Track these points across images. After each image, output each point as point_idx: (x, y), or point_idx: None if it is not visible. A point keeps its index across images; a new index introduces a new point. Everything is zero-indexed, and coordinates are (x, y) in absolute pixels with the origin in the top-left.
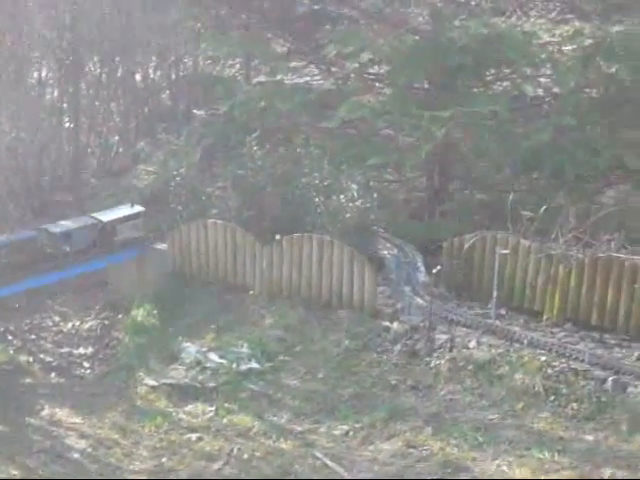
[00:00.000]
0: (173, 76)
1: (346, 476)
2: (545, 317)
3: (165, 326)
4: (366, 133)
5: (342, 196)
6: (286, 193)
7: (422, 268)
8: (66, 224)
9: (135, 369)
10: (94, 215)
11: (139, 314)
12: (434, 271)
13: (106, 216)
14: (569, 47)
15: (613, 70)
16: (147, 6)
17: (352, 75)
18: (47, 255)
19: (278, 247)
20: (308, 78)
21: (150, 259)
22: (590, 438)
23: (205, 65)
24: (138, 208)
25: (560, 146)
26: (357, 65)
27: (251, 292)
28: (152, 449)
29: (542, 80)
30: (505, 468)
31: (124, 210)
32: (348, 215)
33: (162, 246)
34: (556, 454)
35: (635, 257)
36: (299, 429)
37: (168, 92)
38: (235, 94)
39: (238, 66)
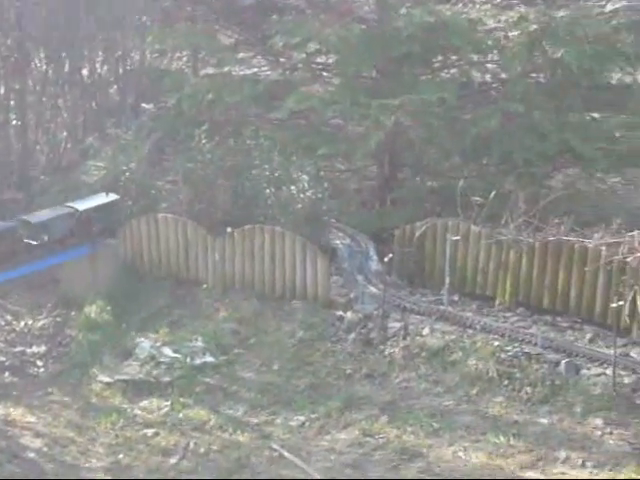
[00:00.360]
0: (120, 70)
1: (304, 467)
2: (497, 302)
3: (119, 322)
4: (316, 123)
5: (293, 187)
6: (237, 185)
7: (374, 257)
8: (43, 214)
9: (89, 366)
10: (70, 204)
11: (92, 311)
12: (386, 259)
13: (82, 205)
14: (515, 33)
15: (559, 55)
16: (92, 0)
17: (300, 65)
18: (26, 246)
19: (230, 240)
20: (256, 69)
21: (102, 255)
22: (545, 421)
23: (152, 59)
24: (113, 196)
25: (508, 131)
26: (304, 55)
27: (204, 286)
28: (108, 446)
29: (489, 66)
30: (461, 454)
31: (99, 199)
32: (299, 206)
33: (114, 241)
34: (511, 438)
35: (585, 240)
36: (255, 421)
37: (116, 87)
38: (182, 87)
39: (185, 59)
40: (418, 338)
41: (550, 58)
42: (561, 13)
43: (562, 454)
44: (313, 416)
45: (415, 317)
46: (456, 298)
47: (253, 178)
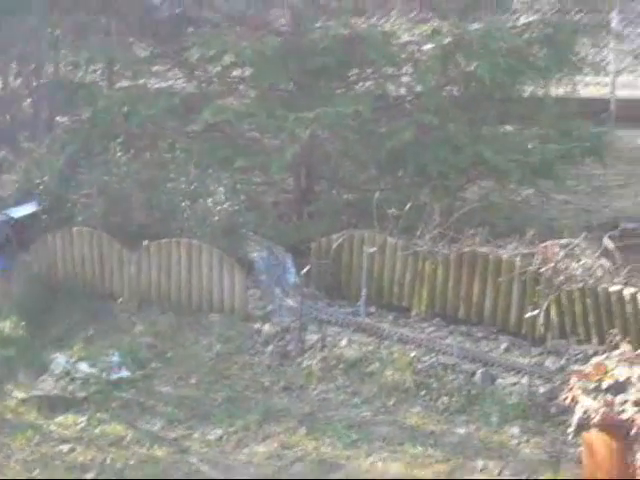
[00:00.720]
0: (34, 83)
1: None
2: (414, 313)
3: (33, 338)
4: (232, 136)
5: (209, 200)
6: (152, 198)
7: (292, 269)
8: None
9: (4, 382)
10: (4, 212)
11: (6, 326)
12: (303, 272)
13: (16, 213)
14: (429, 46)
15: (472, 68)
16: (4, 12)
17: (215, 79)
18: None
19: (146, 253)
20: (172, 82)
21: (15, 269)
22: (461, 431)
23: (67, 71)
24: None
25: (423, 144)
26: (220, 68)
27: (120, 300)
28: (23, 462)
29: (404, 80)
30: (379, 464)
31: (30, 207)
32: (216, 218)
33: (27, 256)
34: (429, 448)
35: (499, 251)
36: (173, 435)
37: (29, 100)
38: (97, 100)
39: (100, 72)
40: (336, 350)
41: (464, 71)
42: (475, 26)
43: (479, 463)
44: (231, 429)
45: (332, 329)
46: (373, 309)
47: (169, 191)
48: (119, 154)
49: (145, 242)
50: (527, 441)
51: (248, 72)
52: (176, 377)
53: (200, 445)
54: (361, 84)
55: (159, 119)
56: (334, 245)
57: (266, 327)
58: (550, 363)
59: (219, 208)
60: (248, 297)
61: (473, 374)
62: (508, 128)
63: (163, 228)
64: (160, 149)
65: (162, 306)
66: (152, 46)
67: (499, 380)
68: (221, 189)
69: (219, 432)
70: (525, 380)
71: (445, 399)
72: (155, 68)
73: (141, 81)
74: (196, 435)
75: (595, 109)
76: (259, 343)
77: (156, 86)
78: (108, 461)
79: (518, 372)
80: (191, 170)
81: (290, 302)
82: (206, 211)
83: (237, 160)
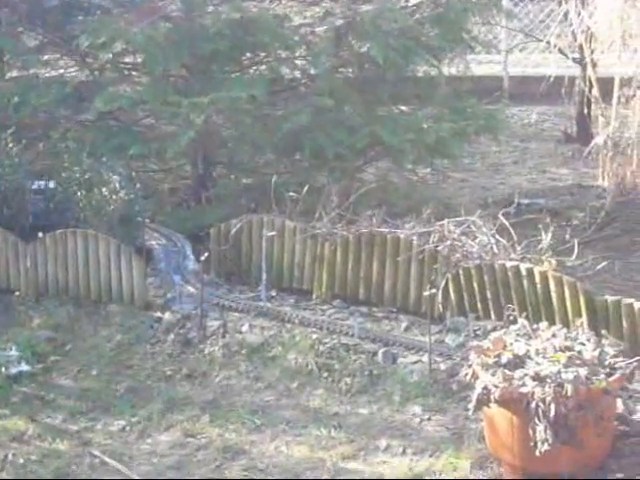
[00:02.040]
0: None
1: (126, 472)
2: (314, 295)
3: None
4: (126, 124)
5: (104, 189)
6: (46, 189)
7: (191, 256)
8: None
9: None
10: None
11: None
12: (202, 258)
13: None
14: (321, 28)
15: (365, 49)
16: None
17: (107, 65)
18: None
19: (41, 245)
20: (63, 70)
21: None
22: (364, 411)
23: None
24: None
25: (319, 126)
26: (111, 55)
27: (16, 293)
28: None
29: (298, 62)
30: (283, 448)
31: None
32: (112, 207)
33: None
34: (332, 430)
35: (397, 231)
36: (75, 428)
37: None
38: None
39: None
40: (237, 335)
41: (357, 53)
42: (366, 7)
43: (383, 443)
44: (134, 420)
45: (234, 315)
46: (274, 293)
47: (64, 181)
48: (11, 145)
49: (40, 234)
50: (429, 419)
51: (140, 59)
52: (76, 369)
53: (103, 437)
54: (255, 68)
55: (51, 108)
56: (233, 230)
57: (167, 315)
58: (450, 340)
59: (114, 197)
60: (147, 286)
61: (375, 354)
62: (403, 108)
63: (59, 219)
64: (53, 139)
65: (60, 298)
66: (42, 35)
67: (400, 359)
68: (116, 177)
69: (122, 423)
70: (426, 358)
71: (348, 380)
72: (46, 57)
73: (31, 71)
74: (99, 427)
75: (489, 87)
76: (160, 332)
77: (47, 75)
78: (10, 457)
79: (419, 350)
80: (84, 159)
81: (190, 289)
82: (101, 200)
83: (132, 148)
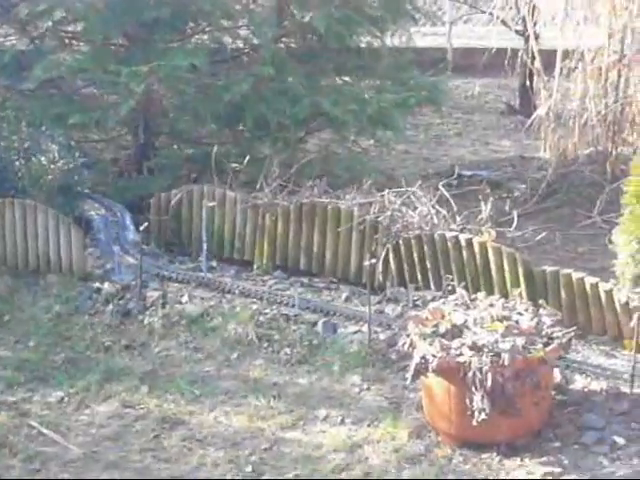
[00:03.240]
0: None
1: (63, 442)
2: (255, 266)
3: None
4: (67, 92)
5: (43, 158)
6: None
7: (131, 226)
8: None
9: None
10: None
11: None
12: (141, 228)
13: None
14: None
15: (307, 19)
16: None
17: (47, 34)
18: None
19: None
20: (2, 39)
21: None
22: (304, 381)
23: None
24: None
25: (261, 96)
26: (51, 24)
27: None
28: None
29: (241, 32)
30: (223, 418)
31: None
32: (50, 177)
33: None
34: (272, 400)
35: (338, 201)
36: (12, 399)
37: None
38: None
39: None
40: (177, 306)
41: (300, 22)
42: None
43: (322, 412)
44: (72, 391)
45: (174, 285)
46: (215, 264)
47: (2, 150)
48: None
49: None
50: (368, 389)
51: (80, 27)
52: (14, 340)
53: (41, 408)
54: (197, 37)
55: None
56: (173, 201)
57: (106, 286)
58: (390, 310)
59: (53, 167)
60: (87, 256)
61: (315, 324)
62: (346, 79)
63: None
64: None
65: None
66: None
67: (340, 329)
68: (54, 146)
69: (60, 394)
70: (365, 328)
71: (287, 350)
72: None
73: None
74: (36, 398)
75: (432, 59)
76: (99, 302)
77: None
78: None
79: (359, 321)
80: (23, 128)
81: (130, 260)
82: (40, 170)
83: (72, 117)
